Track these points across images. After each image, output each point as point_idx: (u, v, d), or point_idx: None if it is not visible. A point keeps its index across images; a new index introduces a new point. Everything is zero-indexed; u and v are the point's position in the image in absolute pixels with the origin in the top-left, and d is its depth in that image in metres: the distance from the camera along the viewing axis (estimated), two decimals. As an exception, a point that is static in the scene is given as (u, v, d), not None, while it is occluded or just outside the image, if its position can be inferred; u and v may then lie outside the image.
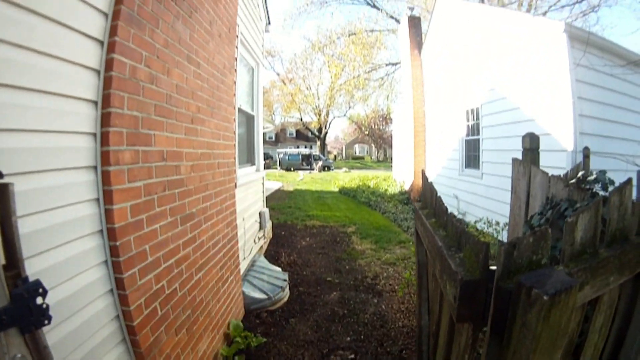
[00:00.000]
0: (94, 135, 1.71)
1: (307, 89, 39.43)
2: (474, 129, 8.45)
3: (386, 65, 26.89)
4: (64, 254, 1.50)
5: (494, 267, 1.06)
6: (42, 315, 1.11)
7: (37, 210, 1.38)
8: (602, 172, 2.17)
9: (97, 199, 1.72)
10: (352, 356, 3.16)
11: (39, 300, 1.11)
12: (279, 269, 5.05)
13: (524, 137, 3.27)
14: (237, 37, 4.24)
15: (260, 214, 5.98)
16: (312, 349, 3.28)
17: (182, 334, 2.39)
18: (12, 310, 1.02)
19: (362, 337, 3.48)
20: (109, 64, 1.74)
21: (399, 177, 15.73)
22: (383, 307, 4.11)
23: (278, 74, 40.89)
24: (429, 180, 2.44)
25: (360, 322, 3.76)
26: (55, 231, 1.46)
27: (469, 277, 1.12)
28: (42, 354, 1.09)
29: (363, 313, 3.95)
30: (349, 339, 3.45)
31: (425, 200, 2.44)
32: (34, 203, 1.37)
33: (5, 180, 1.12)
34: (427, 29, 11.17)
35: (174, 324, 2.30)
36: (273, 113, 45.89)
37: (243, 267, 4.51)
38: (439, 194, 2.06)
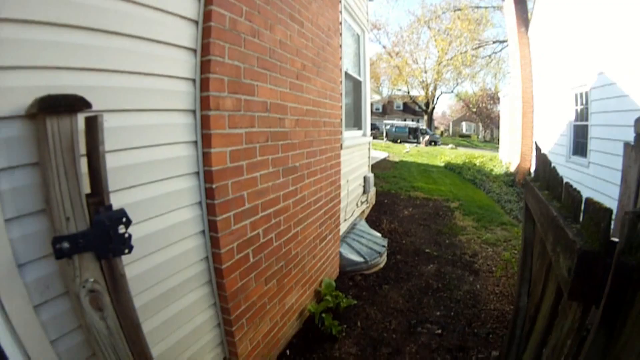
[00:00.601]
0: (193, 80, 1.65)
1: (414, 62, 36.58)
2: (583, 114, 6.95)
3: (493, 42, 24.40)
4: (156, 191, 1.47)
5: (614, 239, 0.89)
6: (123, 244, 1.04)
7: (133, 146, 1.35)
8: None
9: (195, 142, 1.67)
10: (439, 331, 2.85)
11: (122, 229, 1.04)
12: (379, 235, 4.80)
13: (636, 121, 2.57)
14: (341, 2, 4.01)
15: (364, 178, 5.75)
16: (400, 317, 3.03)
17: (271, 284, 2.32)
18: (90, 235, 0.97)
19: (452, 313, 3.12)
20: (207, 15, 1.66)
21: (505, 158, 14.20)
22: (478, 286, 3.65)
23: (384, 47, 38.04)
24: (542, 152, 2.07)
25: (453, 298, 3.39)
26: (150, 168, 1.43)
27: (588, 247, 0.93)
28: (118, 282, 1.03)
29: (457, 289, 3.56)
30: (438, 313, 3.12)
31: (537, 172, 2.13)
32: (131, 139, 1.34)
33: (96, 112, 1.07)
34: (534, 6, 9.69)
35: (265, 273, 2.23)
36: (380, 85, 43.69)
37: (343, 228, 4.37)
38: (554, 165, 1.76)
